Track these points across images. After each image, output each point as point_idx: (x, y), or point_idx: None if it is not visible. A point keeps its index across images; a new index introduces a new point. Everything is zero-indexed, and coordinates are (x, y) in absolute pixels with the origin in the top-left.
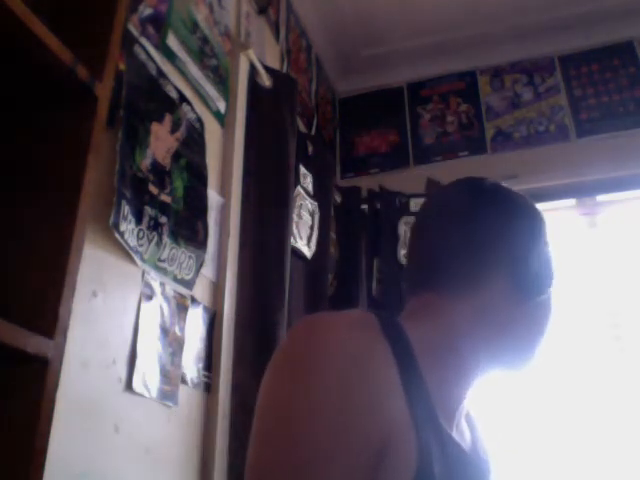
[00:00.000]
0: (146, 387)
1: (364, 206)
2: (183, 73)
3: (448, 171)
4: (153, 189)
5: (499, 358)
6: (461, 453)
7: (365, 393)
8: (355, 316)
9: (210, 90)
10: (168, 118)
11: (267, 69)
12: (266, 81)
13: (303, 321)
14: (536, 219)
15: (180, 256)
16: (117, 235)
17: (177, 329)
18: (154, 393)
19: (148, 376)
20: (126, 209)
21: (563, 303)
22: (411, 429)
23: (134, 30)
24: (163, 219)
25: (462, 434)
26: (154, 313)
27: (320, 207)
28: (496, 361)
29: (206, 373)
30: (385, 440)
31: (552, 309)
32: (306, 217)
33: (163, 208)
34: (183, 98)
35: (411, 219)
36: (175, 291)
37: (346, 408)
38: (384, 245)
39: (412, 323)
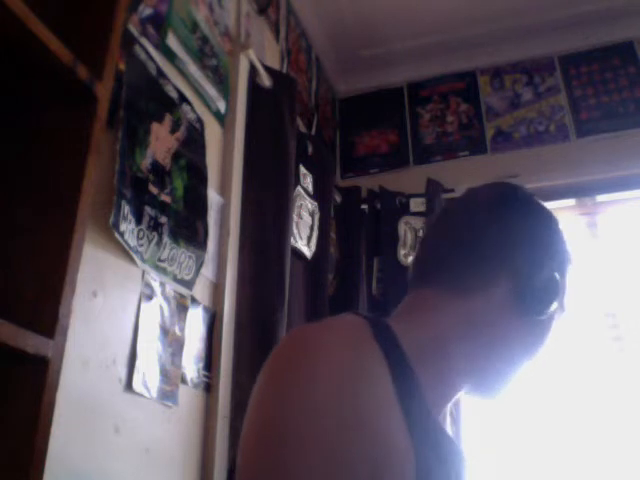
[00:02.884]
0: (146, 387)
1: (364, 206)
2: (183, 73)
3: (448, 171)
4: (153, 189)
5: (484, 369)
6: (454, 447)
7: (359, 407)
8: (346, 325)
9: (210, 90)
10: (168, 118)
11: (267, 69)
12: (266, 81)
13: (292, 335)
14: (556, 240)
15: (180, 256)
16: (117, 235)
17: (177, 329)
18: (154, 393)
19: (148, 376)
20: (126, 209)
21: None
22: (408, 441)
23: (134, 30)
24: (163, 219)
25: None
26: (154, 313)
27: (320, 207)
28: (481, 373)
29: (206, 373)
30: (382, 452)
31: (548, 335)
32: (306, 217)
33: (163, 208)
34: (183, 98)
35: (411, 219)
36: (175, 291)
37: (341, 424)
38: (384, 245)
39: (404, 322)
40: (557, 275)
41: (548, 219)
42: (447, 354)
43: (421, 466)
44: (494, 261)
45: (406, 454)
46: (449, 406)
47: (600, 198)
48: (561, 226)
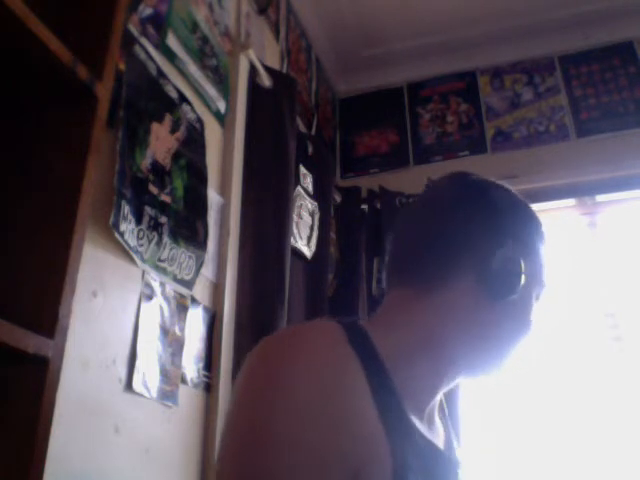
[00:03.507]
0: (146, 387)
1: (364, 206)
2: (183, 73)
3: (448, 171)
4: (153, 189)
5: (470, 356)
6: (437, 453)
7: (339, 408)
8: (321, 330)
9: (210, 90)
10: (168, 118)
11: (267, 69)
12: (266, 81)
13: (269, 341)
14: (515, 219)
15: (180, 256)
16: (117, 235)
17: (177, 329)
18: (154, 393)
19: (148, 376)
20: (126, 209)
21: (562, 303)
22: (386, 444)
23: (134, 30)
24: (163, 219)
25: (436, 432)
26: (154, 313)
27: (320, 207)
28: (468, 360)
29: (206, 373)
30: (359, 456)
31: (528, 311)
32: (306, 217)
33: (163, 208)
34: (183, 98)
35: None
36: (175, 291)
37: (321, 425)
38: (384, 245)
39: (383, 325)
40: (518, 254)
41: (503, 200)
42: (434, 352)
43: (398, 466)
44: (455, 252)
45: (384, 455)
46: (437, 400)
47: (600, 198)
48: (523, 203)
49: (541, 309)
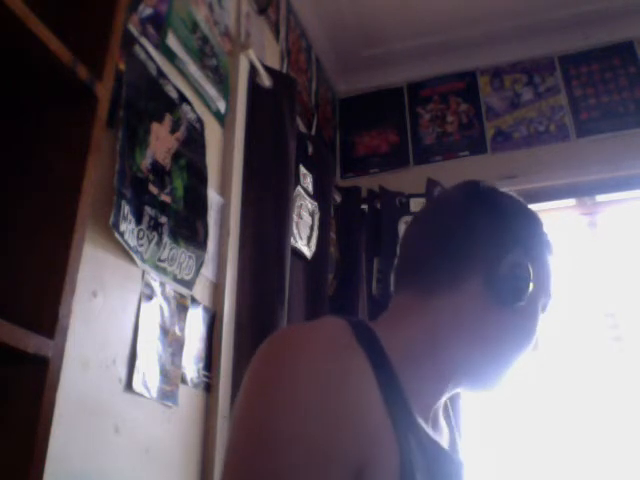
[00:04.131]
0: (146, 387)
1: (364, 206)
2: (183, 73)
3: (448, 171)
4: (153, 189)
5: (471, 362)
6: (441, 452)
7: (344, 406)
8: (328, 326)
9: (210, 90)
10: (168, 118)
11: (267, 69)
12: (266, 81)
13: (275, 338)
14: (523, 226)
15: (180, 256)
16: (117, 235)
17: (177, 329)
18: (154, 393)
19: (148, 376)
20: (126, 209)
21: (562, 303)
22: (393, 439)
23: (134, 30)
24: (163, 219)
25: (440, 433)
26: (154, 313)
27: (320, 207)
28: (469, 365)
29: (206, 373)
30: (363, 454)
31: (536, 323)
32: (306, 217)
33: (163, 208)
34: (183, 98)
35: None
36: (175, 291)
37: (325, 423)
38: (384, 245)
39: (389, 326)
40: (526, 260)
41: (513, 207)
42: (439, 354)
43: (405, 462)
44: (464, 255)
45: (391, 450)
46: (442, 402)
47: (600, 198)
48: (532, 213)
49: (546, 320)
